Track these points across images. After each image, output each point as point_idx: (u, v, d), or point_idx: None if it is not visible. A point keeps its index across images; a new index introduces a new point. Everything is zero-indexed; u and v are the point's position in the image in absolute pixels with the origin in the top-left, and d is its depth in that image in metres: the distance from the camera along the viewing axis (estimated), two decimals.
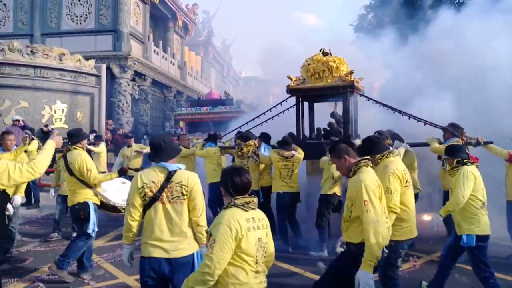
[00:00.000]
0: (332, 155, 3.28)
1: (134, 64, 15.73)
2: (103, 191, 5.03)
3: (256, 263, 2.42)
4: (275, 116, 7.40)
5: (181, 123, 13.52)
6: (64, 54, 12.52)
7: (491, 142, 5.75)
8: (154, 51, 18.22)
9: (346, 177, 3.18)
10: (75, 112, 12.80)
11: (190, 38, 25.94)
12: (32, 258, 5.49)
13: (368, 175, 2.94)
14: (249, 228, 2.40)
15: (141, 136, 14.79)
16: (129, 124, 15.63)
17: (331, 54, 7.00)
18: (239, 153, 6.66)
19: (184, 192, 2.84)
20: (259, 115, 7.61)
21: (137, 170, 7.24)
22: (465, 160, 4.02)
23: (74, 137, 4.87)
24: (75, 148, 4.78)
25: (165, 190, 2.83)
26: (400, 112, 6.63)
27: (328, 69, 6.79)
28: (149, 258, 2.78)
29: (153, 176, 2.86)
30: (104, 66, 13.55)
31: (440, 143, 5.80)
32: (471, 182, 3.89)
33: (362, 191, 2.84)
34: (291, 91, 6.92)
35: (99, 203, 4.89)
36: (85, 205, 4.73)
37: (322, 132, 7.53)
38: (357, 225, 2.93)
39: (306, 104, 7.47)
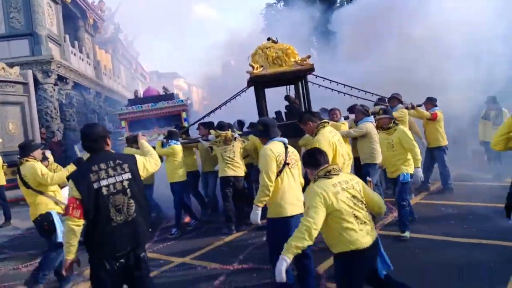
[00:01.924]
0: (301, 122, 4.84)
1: (58, 67, 15.20)
2: (65, 199, 4.79)
3: (356, 218, 2.87)
4: (222, 106, 8.08)
5: (123, 123, 13.55)
6: None
7: (420, 105, 7.86)
8: (72, 52, 17.62)
9: (312, 136, 4.71)
10: (7, 123, 12.22)
11: (98, 36, 25.10)
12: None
13: (323, 135, 4.49)
14: (338, 191, 2.91)
15: (71, 143, 14.46)
16: (60, 131, 15.15)
17: (277, 42, 7.56)
18: (221, 142, 6.96)
19: (296, 159, 3.85)
20: (222, 105, 8.14)
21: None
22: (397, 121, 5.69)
23: (24, 149, 4.89)
24: (27, 161, 4.79)
25: (288, 158, 3.78)
26: (355, 88, 8.12)
27: (286, 55, 7.32)
28: (292, 216, 3.64)
29: (278, 148, 3.77)
30: (30, 72, 13.11)
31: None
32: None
33: (316, 145, 4.30)
34: (254, 78, 7.21)
35: (62, 212, 4.69)
36: (47, 215, 4.72)
37: (283, 115, 8.30)
38: None
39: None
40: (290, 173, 3.80)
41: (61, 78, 16.34)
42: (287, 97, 8.40)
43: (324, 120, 4.85)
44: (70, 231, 2.98)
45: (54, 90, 15.21)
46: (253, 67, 7.23)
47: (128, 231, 3.10)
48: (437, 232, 5.43)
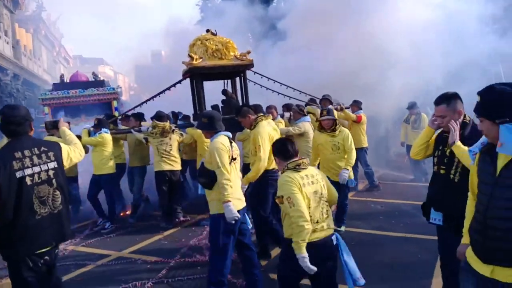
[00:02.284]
0: (239, 115, 4.91)
1: None
2: None
3: (311, 215, 2.95)
4: (156, 96, 7.76)
5: (46, 109, 12.66)
6: None
7: (348, 108, 8.38)
8: None
9: (249, 129, 4.85)
10: None
11: (19, 13, 23.11)
12: None
13: (262, 127, 4.69)
14: (304, 184, 3.01)
15: None
16: None
17: (216, 34, 7.52)
18: (157, 134, 6.59)
19: (238, 153, 3.85)
20: (156, 95, 7.79)
21: None
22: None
23: None
24: None
25: (233, 152, 3.75)
26: (290, 87, 8.36)
27: (226, 49, 7.27)
28: (238, 211, 3.61)
29: (226, 141, 3.73)
30: None
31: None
32: None
33: (257, 138, 4.59)
34: (193, 69, 7.08)
35: None
36: None
37: (220, 109, 8.10)
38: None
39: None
40: (235, 168, 3.81)
41: None
42: (224, 91, 8.33)
43: (261, 114, 4.99)
44: None
45: None
46: (192, 58, 7.06)
47: (53, 224, 2.89)
48: (369, 226, 5.79)
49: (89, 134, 6.79)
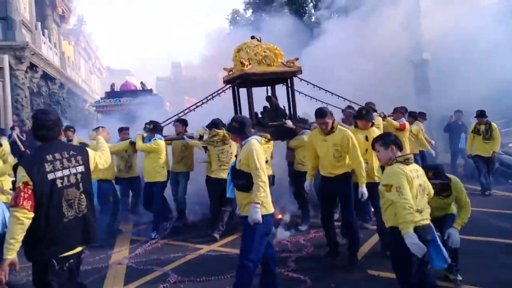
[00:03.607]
0: (325, 117, 4.90)
1: (32, 55, 15.01)
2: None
3: (417, 205, 3.22)
4: (201, 103, 7.64)
5: (99, 115, 13.71)
6: None
7: (389, 116, 8.48)
8: (42, 41, 17.39)
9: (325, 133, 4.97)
10: None
11: (63, 27, 24.65)
12: None
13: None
14: (413, 177, 3.29)
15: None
16: (30, 120, 14.92)
17: (261, 41, 7.56)
18: (218, 142, 6.51)
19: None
20: (199, 103, 7.71)
21: None
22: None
23: None
24: None
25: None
26: (335, 95, 8.23)
27: (275, 55, 7.32)
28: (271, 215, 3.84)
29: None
30: (6, 57, 12.98)
31: None
32: None
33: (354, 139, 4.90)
34: (244, 75, 7.06)
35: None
36: None
37: (260, 116, 7.88)
38: None
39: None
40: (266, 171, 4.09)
41: (30, 66, 16.08)
42: (269, 98, 8.24)
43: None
44: (19, 224, 2.70)
45: (25, 77, 15.00)
46: (243, 64, 7.01)
47: (78, 227, 2.98)
48: None
49: (143, 139, 6.68)
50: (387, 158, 3.48)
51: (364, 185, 4.93)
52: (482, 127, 8.70)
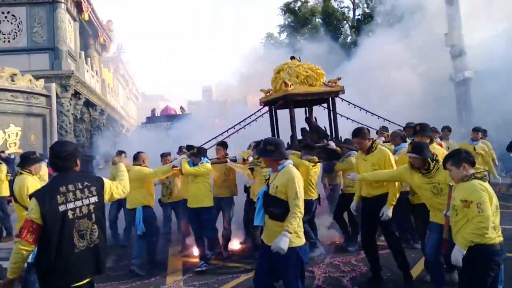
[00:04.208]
0: (360, 137, 4.98)
1: (77, 83, 15.68)
2: None
3: (494, 223, 3.22)
4: (246, 124, 7.54)
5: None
6: (15, 74, 12.31)
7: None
8: (85, 69, 18.16)
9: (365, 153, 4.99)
10: (29, 135, 12.58)
11: (103, 55, 25.74)
12: None
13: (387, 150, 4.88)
14: (493, 194, 3.25)
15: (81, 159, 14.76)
16: None
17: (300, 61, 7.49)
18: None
19: None
20: (237, 125, 7.57)
21: None
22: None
23: (23, 160, 4.76)
24: (21, 173, 4.67)
25: None
26: (374, 114, 7.99)
27: (317, 75, 7.22)
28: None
29: None
30: (54, 86, 13.61)
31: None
32: None
33: (391, 158, 4.83)
34: (286, 96, 6.94)
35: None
36: None
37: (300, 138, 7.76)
38: None
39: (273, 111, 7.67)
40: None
41: (74, 94, 16.80)
42: (308, 119, 8.02)
43: (375, 139, 5.26)
44: (18, 254, 2.84)
45: (70, 104, 15.65)
46: (286, 84, 6.91)
47: (90, 258, 2.98)
48: None
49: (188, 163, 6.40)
50: (459, 176, 3.40)
51: (391, 207, 4.74)
52: None
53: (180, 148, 7.71)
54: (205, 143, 7.40)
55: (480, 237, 3.14)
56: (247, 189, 7.05)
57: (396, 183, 4.76)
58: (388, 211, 4.73)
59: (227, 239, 6.91)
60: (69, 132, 15.52)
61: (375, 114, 7.94)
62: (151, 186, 6.31)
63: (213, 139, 7.56)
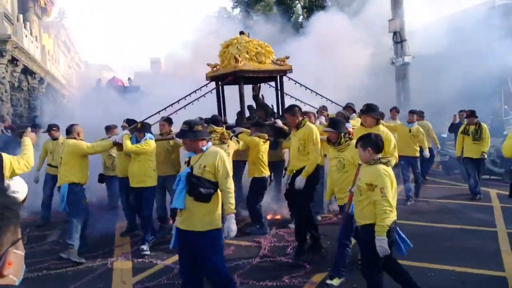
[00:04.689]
0: (289, 113, 5.23)
1: (15, 48, 14.79)
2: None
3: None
4: (194, 100, 7.28)
5: None
6: None
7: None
8: (24, 34, 17.12)
9: (294, 129, 5.26)
10: None
11: (44, 19, 24.26)
12: None
13: (312, 125, 5.28)
14: (393, 179, 3.52)
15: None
16: (10, 115, 14.72)
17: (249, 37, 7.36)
18: (216, 140, 6.00)
19: None
20: (182, 99, 7.28)
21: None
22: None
23: None
24: None
25: None
26: (318, 94, 7.99)
27: (266, 53, 7.14)
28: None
29: None
30: None
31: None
32: None
33: (312, 133, 5.14)
34: (238, 71, 6.78)
35: None
36: None
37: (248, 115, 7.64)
38: None
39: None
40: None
41: (11, 60, 15.83)
42: (255, 97, 7.94)
43: (305, 117, 5.48)
44: None
45: (6, 71, 14.78)
46: (237, 60, 6.70)
47: None
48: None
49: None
50: (364, 158, 3.63)
51: (305, 177, 5.06)
52: (472, 128, 8.22)
53: (109, 127, 7.41)
54: (148, 117, 6.89)
55: (386, 219, 3.41)
56: None
57: (314, 157, 5.09)
58: (300, 182, 5.05)
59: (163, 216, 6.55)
60: (5, 101, 14.72)
61: (319, 94, 7.99)
62: (85, 162, 5.79)
63: (156, 113, 7.17)
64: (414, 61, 14.30)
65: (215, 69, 7.45)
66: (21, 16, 17.21)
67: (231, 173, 3.63)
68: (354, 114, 7.56)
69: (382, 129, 4.85)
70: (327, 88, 9.75)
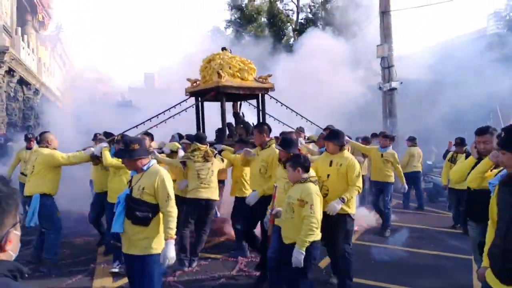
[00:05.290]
0: (258, 130, 5.21)
1: (12, 60, 15.15)
2: None
3: None
4: (174, 115, 7.01)
5: None
6: None
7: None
8: (21, 46, 17.52)
9: (259, 147, 5.20)
10: None
11: (41, 32, 24.70)
12: None
13: (275, 149, 4.88)
14: (321, 197, 3.82)
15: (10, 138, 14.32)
16: (4, 124, 14.99)
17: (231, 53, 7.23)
18: (199, 157, 5.73)
19: None
20: (161, 114, 7.10)
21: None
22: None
23: None
24: None
25: None
26: (298, 114, 7.94)
27: (249, 69, 7.04)
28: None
29: None
30: None
31: None
32: None
33: (275, 157, 4.98)
34: (221, 87, 6.60)
35: None
36: None
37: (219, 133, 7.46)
38: None
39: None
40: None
41: (8, 71, 16.18)
42: (236, 114, 7.86)
43: (272, 138, 5.37)
44: None
45: (3, 81, 15.09)
46: (220, 75, 6.55)
47: None
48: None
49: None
50: (294, 177, 3.82)
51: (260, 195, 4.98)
52: (460, 156, 7.22)
53: (95, 135, 7.08)
54: (126, 131, 6.69)
55: (311, 235, 3.60)
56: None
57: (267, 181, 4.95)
58: (252, 198, 5.00)
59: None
60: (0, 110, 14.99)
61: (299, 114, 7.91)
62: (58, 173, 5.54)
63: (133, 127, 6.93)
64: (403, 87, 14.83)
65: (195, 84, 7.31)
66: (19, 29, 17.63)
67: (172, 195, 3.40)
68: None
69: (346, 155, 4.70)
70: (313, 110, 10.07)
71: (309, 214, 3.58)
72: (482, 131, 3.74)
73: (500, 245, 2.36)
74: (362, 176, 8.57)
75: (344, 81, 13.47)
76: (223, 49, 7.19)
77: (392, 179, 7.73)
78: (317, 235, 3.66)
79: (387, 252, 6.37)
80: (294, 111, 7.80)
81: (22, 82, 18.70)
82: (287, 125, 7.66)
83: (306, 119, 8.00)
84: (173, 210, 3.35)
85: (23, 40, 18.19)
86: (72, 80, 41.09)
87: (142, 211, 3.30)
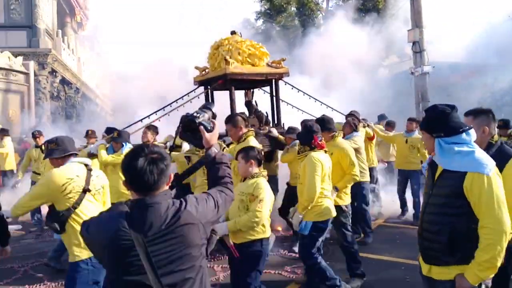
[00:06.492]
0: (233, 124, 4.66)
1: (54, 61, 16.10)
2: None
3: None
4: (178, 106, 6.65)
5: None
6: None
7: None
8: (62, 47, 18.53)
9: (237, 142, 4.73)
10: (7, 110, 13.09)
11: (79, 33, 25.89)
12: None
13: (254, 141, 4.62)
14: (271, 192, 3.63)
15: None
16: (49, 123, 15.98)
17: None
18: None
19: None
20: (167, 106, 6.78)
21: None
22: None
23: None
24: None
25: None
26: (317, 100, 7.36)
27: (260, 54, 6.51)
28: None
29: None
30: (32, 63, 14.04)
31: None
32: (319, 170, 4.07)
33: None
34: (230, 74, 6.09)
35: None
36: None
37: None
38: None
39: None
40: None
41: (51, 72, 17.20)
42: (249, 103, 7.09)
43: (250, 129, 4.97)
44: None
45: (47, 82, 16.07)
46: (227, 62, 6.07)
47: None
48: None
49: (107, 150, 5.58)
50: (244, 170, 3.67)
51: None
52: (505, 140, 6.79)
53: (87, 132, 6.99)
54: (128, 126, 6.52)
55: (250, 229, 3.47)
56: None
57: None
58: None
59: None
60: (45, 109, 16.01)
61: (318, 101, 7.37)
62: None
63: (138, 121, 6.68)
64: (434, 72, 14.68)
65: (203, 73, 6.81)
66: (59, 31, 18.65)
67: (38, 196, 3.16)
68: (360, 124, 6.88)
69: (337, 143, 4.61)
70: (343, 98, 10.26)
71: (255, 209, 3.47)
72: None
73: (420, 225, 2.46)
74: (388, 162, 8.83)
75: (377, 66, 13.52)
76: (233, 32, 6.68)
77: (419, 166, 7.15)
78: (259, 233, 3.54)
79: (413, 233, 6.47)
80: (313, 97, 7.30)
81: (64, 81, 19.81)
82: (307, 112, 7.16)
83: (327, 105, 7.49)
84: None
85: (63, 41, 19.23)
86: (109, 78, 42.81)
87: (56, 220, 3.14)
